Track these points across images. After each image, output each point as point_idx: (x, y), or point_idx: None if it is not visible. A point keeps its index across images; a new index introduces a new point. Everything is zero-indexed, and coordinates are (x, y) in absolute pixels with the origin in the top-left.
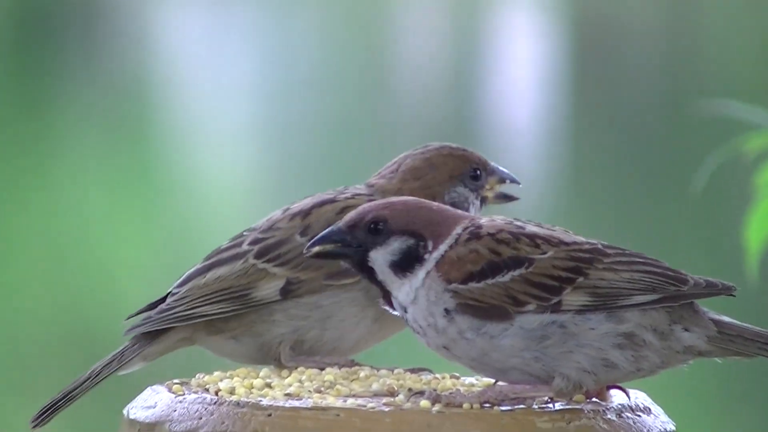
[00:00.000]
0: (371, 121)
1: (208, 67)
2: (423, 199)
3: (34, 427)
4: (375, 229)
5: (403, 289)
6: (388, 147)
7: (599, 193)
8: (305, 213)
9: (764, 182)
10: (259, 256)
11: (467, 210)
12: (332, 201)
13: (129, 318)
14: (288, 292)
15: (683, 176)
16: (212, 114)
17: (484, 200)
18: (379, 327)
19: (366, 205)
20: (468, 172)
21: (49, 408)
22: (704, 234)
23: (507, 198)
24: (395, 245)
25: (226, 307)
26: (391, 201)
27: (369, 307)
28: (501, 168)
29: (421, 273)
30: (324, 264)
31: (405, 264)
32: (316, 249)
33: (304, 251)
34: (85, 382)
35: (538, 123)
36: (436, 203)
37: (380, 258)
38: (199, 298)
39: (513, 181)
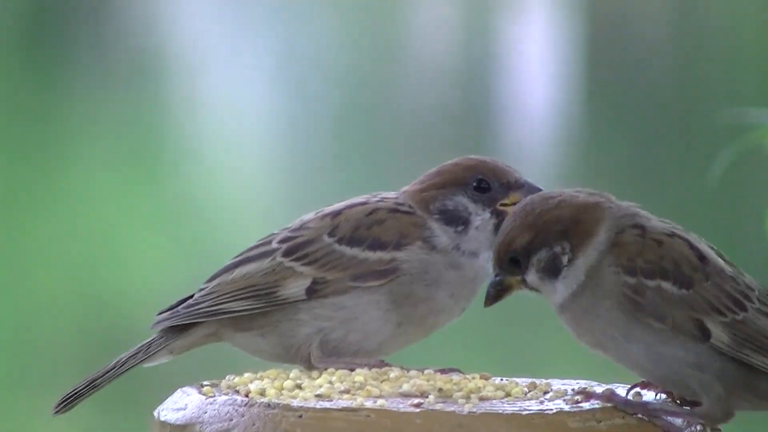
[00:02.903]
0: (387, 117)
1: (223, 62)
2: (543, 202)
3: (56, 413)
4: (515, 261)
5: (560, 294)
6: (404, 143)
7: (614, 185)
8: (335, 213)
9: None
10: (287, 254)
11: (469, 222)
12: (363, 204)
13: (160, 314)
14: (313, 291)
15: (698, 169)
16: (228, 109)
17: (501, 214)
18: (402, 332)
19: (496, 243)
20: (471, 183)
21: (72, 395)
22: (724, 225)
23: None
24: (535, 262)
25: (252, 305)
26: (508, 229)
27: (393, 310)
28: (532, 183)
29: (575, 273)
30: (351, 265)
31: (555, 272)
32: (488, 303)
33: (485, 305)
34: (109, 371)
35: (553, 115)
36: (563, 200)
37: (533, 278)
38: (225, 294)
39: None
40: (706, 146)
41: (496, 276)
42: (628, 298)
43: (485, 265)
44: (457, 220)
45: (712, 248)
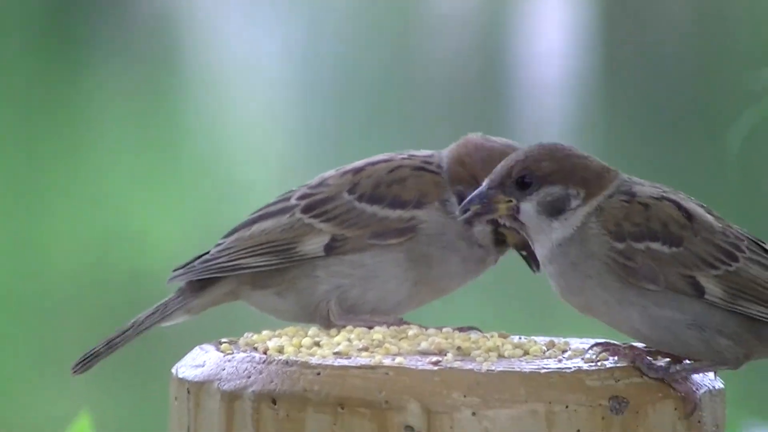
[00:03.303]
0: (401, 86)
1: (238, 32)
2: (574, 149)
3: (75, 372)
4: (523, 183)
5: (553, 236)
6: (418, 110)
7: (632, 155)
8: (357, 170)
9: None
10: (306, 210)
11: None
12: (386, 161)
13: (176, 270)
14: (332, 248)
15: (719, 137)
16: (243, 81)
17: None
18: (418, 291)
19: (509, 160)
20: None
21: (91, 355)
22: (744, 191)
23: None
24: (543, 193)
25: (270, 261)
26: (534, 152)
27: (411, 269)
28: None
29: (573, 221)
30: (371, 223)
31: (554, 212)
32: (466, 212)
33: (458, 217)
34: (127, 331)
35: (569, 83)
36: (589, 156)
37: (531, 209)
38: (243, 249)
39: None
40: (727, 113)
41: (488, 188)
42: (619, 264)
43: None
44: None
45: (701, 206)
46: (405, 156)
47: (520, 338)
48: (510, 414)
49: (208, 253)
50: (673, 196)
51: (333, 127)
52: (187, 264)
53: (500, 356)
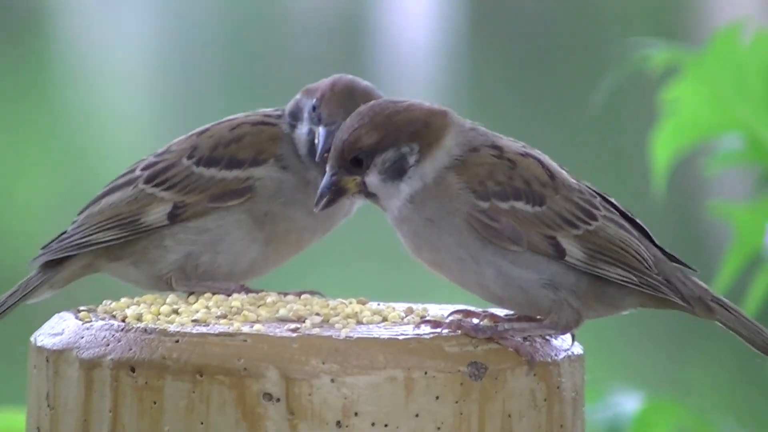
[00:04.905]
0: (266, 55)
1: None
2: (390, 104)
3: None
4: (357, 161)
5: (401, 196)
6: (282, 83)
7: (500, 116)
8: (201, 132)
9: (669, 99)
10: (148, 180)
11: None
12: (231, 119)
13: (43, 247)
14: (175, 216)
15: (584, 98)
16: (112, 59)
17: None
18: (273, 250)
19: (338, 141)
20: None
21: None
22: (609, 152)
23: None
24: (379, 163)
25: (118, 234)
26: (355, 126)
27: (256, 229)
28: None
29: (420, 176)
30: (209, 186)
31: (397, 175)
32: (320, 206)
33: (316, 210)
34: None
35: (436, 49)
36: (410, 103)
37: (375, 180)
38: (93, 225)
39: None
40: (593, 77)
41: (332, 176)
42: (481, 223)
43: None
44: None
45: (558, 166)
46: (250, 113)
47: (378, 304)
48: (369, 380)
49: (66, 232)
50: (535, 153)
51: (200, 100)
52: (53, 241)
53: (359, 323)
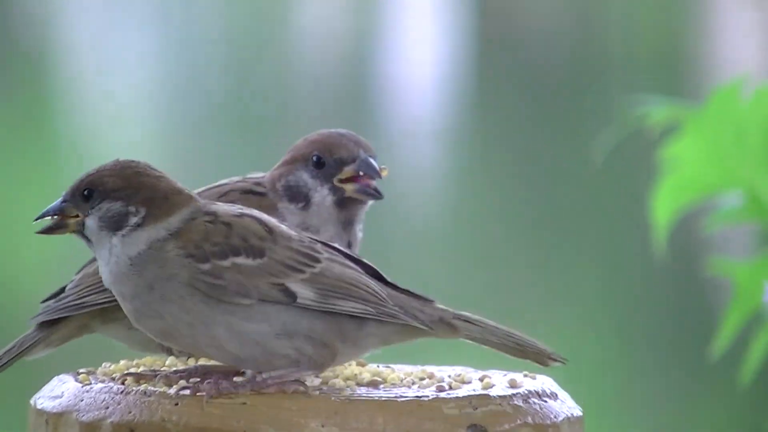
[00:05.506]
0: (270, 98)
1: (108, 38)
2: (148, 168)
3: None
4: (87, 195)
5: (114, 251)
6: (288, 119)
7: (501, 165)
8: None
9: (669, 156)
10: None
11: (309, 198)
12: (221, 185)
13: (44, 301)
14: None
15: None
16: (111, 87)
17: (338, 191)
18: None
19: (83, 174)
20: (311, 158)
21: None
22: (610, 209)
23: (366, 195)
24: (104, 209)
25: (111, 296)
26: (105, 168)
27: None
28: (364, 159)
29: (135, 240)
30: None
31: (114, 227)
32: (41, 228)
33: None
34: None
35: (440, 88)
36: (164, 177)
37: (92, 223)
38: (89, 286)
39: (368, 173)
40: (595, 128)
41: (62, 202)
42: (207, 284)
43: (334, 242)
44: (299, 197)
45: (277, 222)
46: (240, 179)
47: (378, 366)
48: None
49: (64, 289)
50: (252, 213)
51: (204, 129)
52: (52, 296)
53: (358, 384)
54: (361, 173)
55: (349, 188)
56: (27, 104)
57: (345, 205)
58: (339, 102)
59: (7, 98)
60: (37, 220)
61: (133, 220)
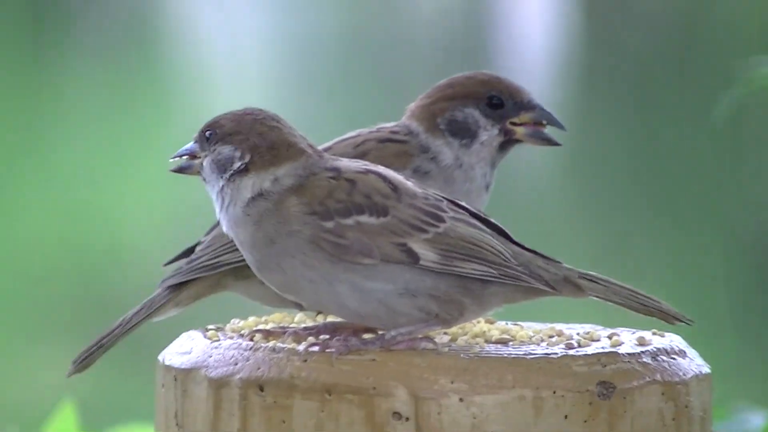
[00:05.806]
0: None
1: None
2: (267, 118)
3: (70, 375)
4: (206, 137)
5: (224, 196)
6: (401, 79)
7: (613, 129)
8: (325, 150)
9: None
10: None
11: (476, 136)
12: (355, 137)
13: (167, 263)
14: None
15: (698, 112)
16: (224, 60)
17: (509, 133)
18: None
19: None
20: (484, 97)
21: (84, 357)
22: (729, 167)
23: (543, 140)
24: (217, 151)
25: None
26: (231, 112)
27: None
28: (545, 109)
29: (240, 186)
30: None
31: (221, 170)
32: (173, 166)
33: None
34: (115, 329)
35: (551, 61)
36: (280, 128)
37: (207, 165)
38: (221, 246)
39: (552, 123)
40: (707, 91)
41: (193, 143)
42: (329, 242)
43: (479, 179)
44: (464, 132)
45: (403, 178)
46: (373, 129)
47: (506, 323)
48: (497, 400)
49: (193, 251)
50: (378, 169)
51: (317, 89)
52: (176, 258)
53: (487, 342)
54: (544, 122)
55: (521, 131)
56: (145, 66)
57: (506, 147)
58: (453, 63)
59: (126, 59)
60: (173, 159)
61: (237, 164)
